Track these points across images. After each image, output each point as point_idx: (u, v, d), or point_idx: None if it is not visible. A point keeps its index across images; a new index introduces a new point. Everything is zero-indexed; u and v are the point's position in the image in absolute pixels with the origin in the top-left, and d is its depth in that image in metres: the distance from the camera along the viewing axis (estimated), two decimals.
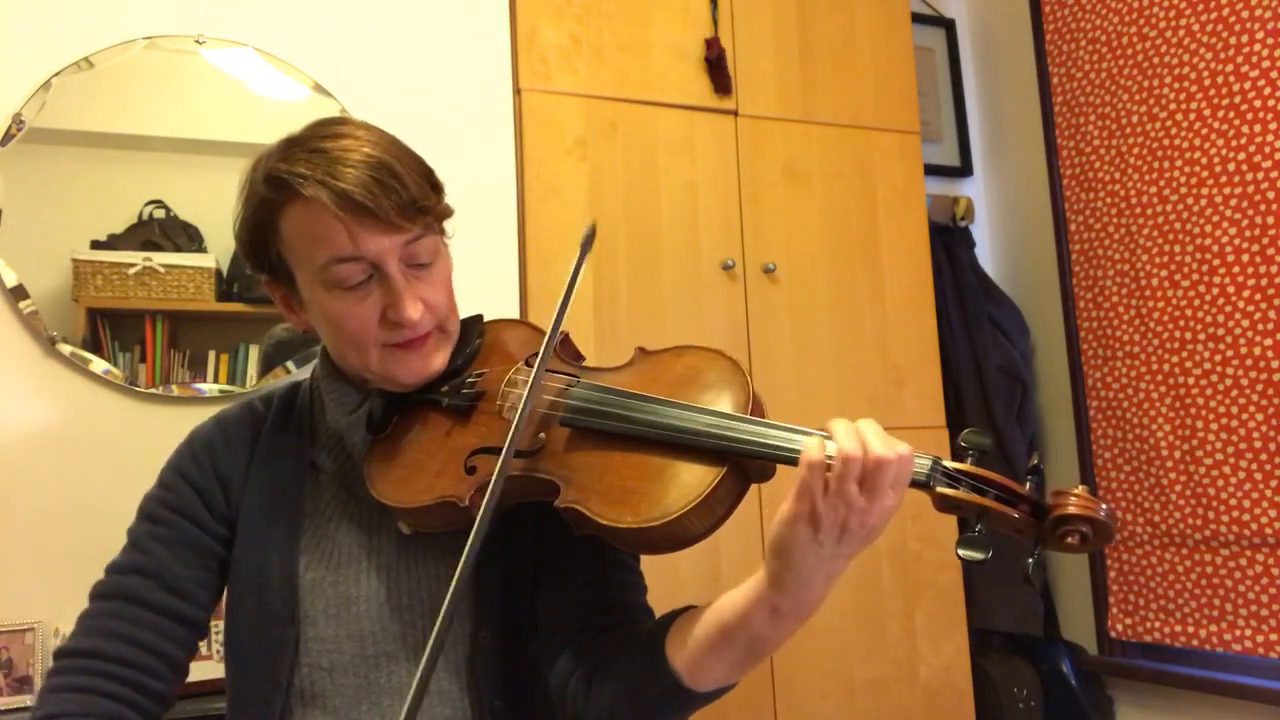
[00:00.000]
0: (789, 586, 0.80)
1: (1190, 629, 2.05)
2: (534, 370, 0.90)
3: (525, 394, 0.88)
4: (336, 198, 0.90)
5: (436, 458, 0.97)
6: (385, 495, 0.97)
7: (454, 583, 0.79)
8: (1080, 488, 0.81)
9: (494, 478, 0.83)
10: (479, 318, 1.11)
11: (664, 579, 0.88)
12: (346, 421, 1.02)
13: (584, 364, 1.03)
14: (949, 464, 0.83)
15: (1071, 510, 0.80)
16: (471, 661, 0.99)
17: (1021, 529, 0.82)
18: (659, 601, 1.04)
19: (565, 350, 1.05)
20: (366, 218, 0.91)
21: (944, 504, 0.82)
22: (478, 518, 0.81)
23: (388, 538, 1.02)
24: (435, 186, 1.00)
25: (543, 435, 0.94)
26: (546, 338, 0.92)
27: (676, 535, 0.85)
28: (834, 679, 2.02)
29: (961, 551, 0.79)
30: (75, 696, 0.93)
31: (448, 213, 1.02)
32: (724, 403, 0.89)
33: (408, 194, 0.93)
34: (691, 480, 0.85)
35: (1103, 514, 0.80)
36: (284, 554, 1.01)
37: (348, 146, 0.93)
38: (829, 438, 0.81)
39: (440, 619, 0.77)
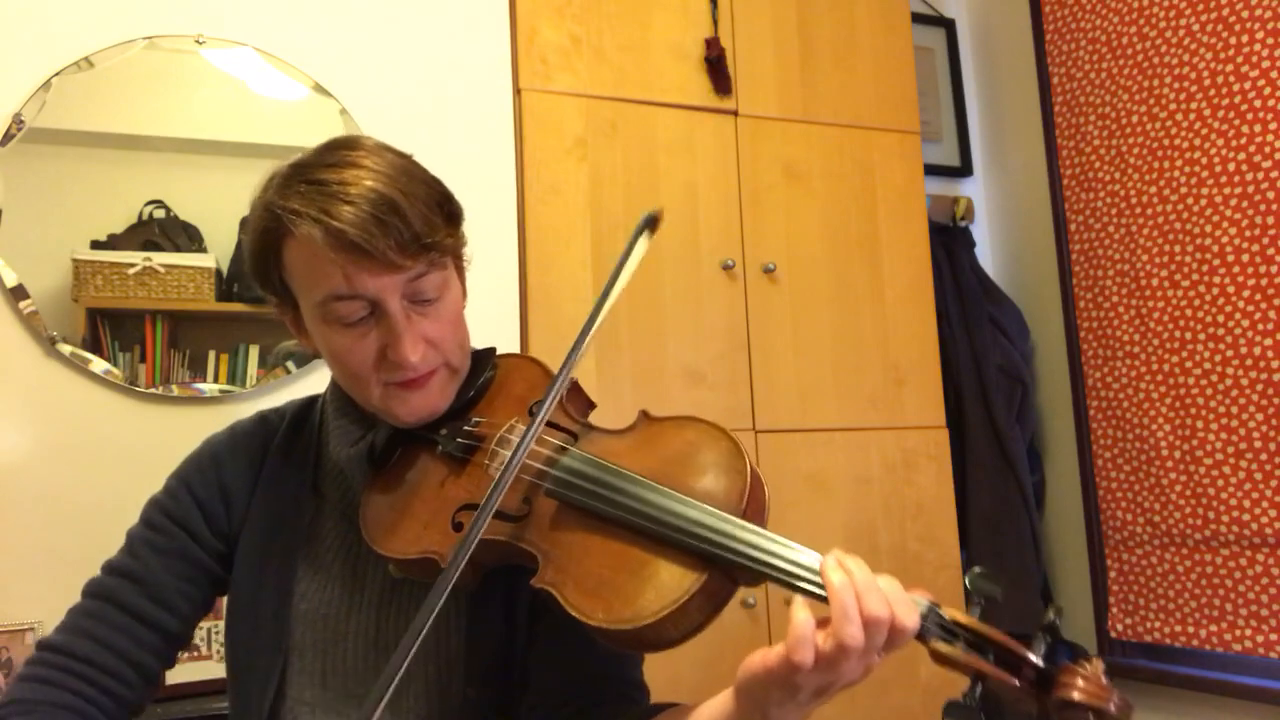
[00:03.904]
0: None
1: (1190, 629, 2.05)
2: (520, 441, 0.83)
3: (509, 461, 0.82)
4: (330, 238, 0.86)
5: (428, 507, 0.94)
6: (375, 541, 0.93)
7: (415, 643, 0.73)
8: (1095, 664, 0.71)
9: (455, 559, 0.77)
10: (491, 351, 1.06)
11: None
12: (347, 455, 1.00)
13: (588, 419, 0.96)
14: (947, 613, 0.73)
15: (1076, 697, 0.70)
16: (459, 716, 0.96)
17: (1022, 699, 0.72)
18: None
19: (574, 401, 0.98)
20: (362, 258, 0.87)
21: (937, 659, 0.72)
22: (435, 587, 0.76)
23: (382, 575, 0.99)
24: (450, 216, 0.95)
25: (529, 502, 0.89)
26: (537, 418, 0.84)
27: (649, 639, 0.78)
28: None
29: None
30: (40, 686, 0.93)
31: (458, 245, 0.97)
32: (719, 490, 0.82)
33: (409, 231, 0.87)
34: (670, 582, 0.77)
35: (1113, 707, 0.69)
36: (280, 582, 0.99)
37: (348, 179, 0.88)
38: (826, 561, 0.74)
39: (389, 680, 0.72)
